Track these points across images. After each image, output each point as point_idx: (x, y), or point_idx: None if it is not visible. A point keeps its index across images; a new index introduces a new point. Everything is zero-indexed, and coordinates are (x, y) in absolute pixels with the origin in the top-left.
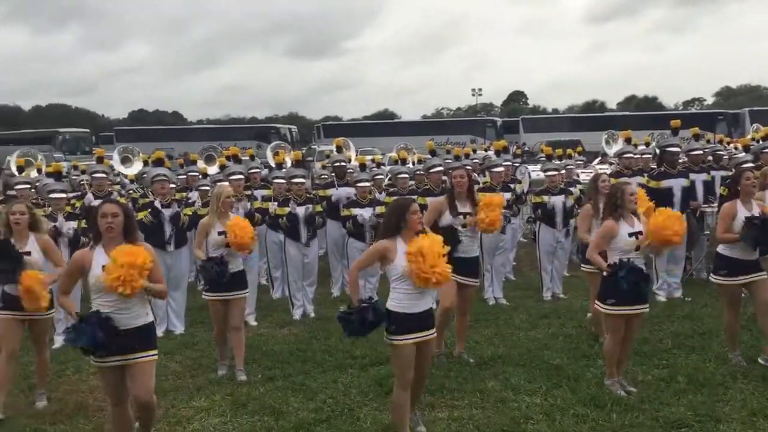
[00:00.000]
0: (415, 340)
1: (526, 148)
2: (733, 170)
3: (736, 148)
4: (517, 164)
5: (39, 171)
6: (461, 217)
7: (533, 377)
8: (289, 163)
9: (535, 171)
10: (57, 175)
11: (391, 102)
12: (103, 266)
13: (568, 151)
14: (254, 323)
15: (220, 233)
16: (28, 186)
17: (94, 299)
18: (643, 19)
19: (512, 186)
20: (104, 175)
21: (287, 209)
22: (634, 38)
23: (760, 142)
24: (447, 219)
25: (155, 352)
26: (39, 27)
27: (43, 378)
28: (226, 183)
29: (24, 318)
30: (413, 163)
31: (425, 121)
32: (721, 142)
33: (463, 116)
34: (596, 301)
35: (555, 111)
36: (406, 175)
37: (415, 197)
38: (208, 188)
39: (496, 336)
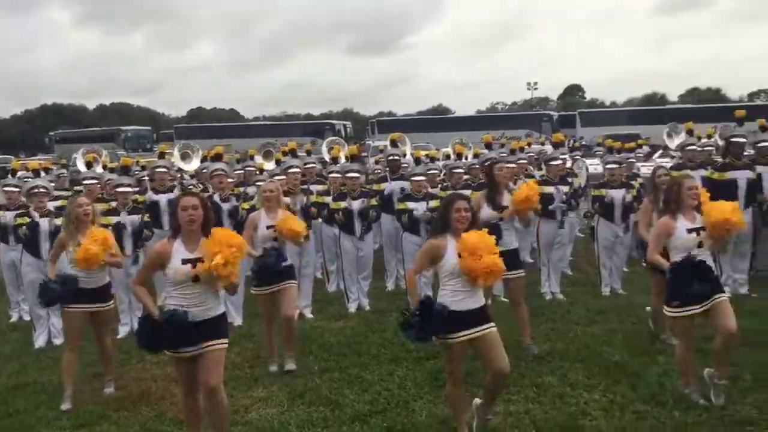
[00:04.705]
0: (467, 337)
1: (584, 142)
2: None
3: None
4: (576, 158)
5: (104, 167)
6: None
7: (592, 373)
8: (343, 158)
9: (593, 165)
10: (125, 170)
11: (446, 98)
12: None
13: (639, 141)
14: (310, 316)
15: (268, 227)
16: (96, 181)
17: (171, 291)
18: (710, 10)
19: (570, 180)
20: (165, 170)
21: (343, 204)
22: (703, 29)
23: None
24: (485, 213)
25: (226, 341)
26: (110, 29)
27: (109, 366)
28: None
29: (89, 310)
30: (466, 158)
31: (480, 115)
32: None
33: (519, 110)
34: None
35: (613, 104)
36: (461, 170)
37: (469, 192)
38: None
39: (553, 331)
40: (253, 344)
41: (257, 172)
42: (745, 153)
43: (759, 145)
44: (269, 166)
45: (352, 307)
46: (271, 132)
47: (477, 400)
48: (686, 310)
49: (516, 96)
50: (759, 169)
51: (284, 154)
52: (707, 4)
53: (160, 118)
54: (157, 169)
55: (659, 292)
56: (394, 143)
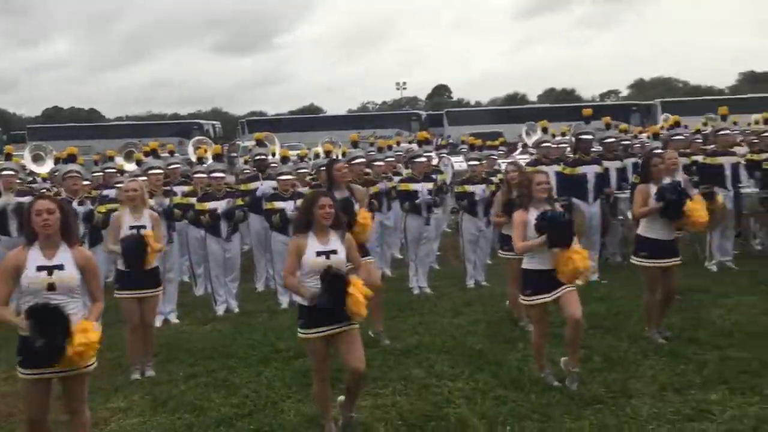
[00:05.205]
0: (324, 333)
1: (451, 141)
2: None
3: (648, 137)
4: (442, 156)
5: None
6: None
7: (456, 363)
8: (210, 159)
9: (458, 162)
10: None
11: (318, 97)
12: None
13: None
14: (176, 321)
15: (132, 227)
16: None
17: (24, 301)
18: (567, 15)
19: (434, 177)
20: (13, 173)
21: (208, 205)
22: (557, 33)
23: (669, 131)
24: None
25: (93, 360)
26: None
27: None
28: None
29: None
30: (336, 157)
31: (351, 115)
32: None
33: (389, 110)
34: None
35: (478, 104)
36: None
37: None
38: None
39: (420, 324)
40: (113, 353)
41: (117, 174)
42: (594, 149)
43: (605, 141)
44: (130, 167)
45: (220, 310)
46: (135, 132)
47: (341, 398)
48: (538, 299)
49: (386, 96)
50: (606, 163)
51: (146, 154)
52: (563, 9)
53: (11, 118)
54: (4, 172)
55: (515, 281)
56: (260, 143)
